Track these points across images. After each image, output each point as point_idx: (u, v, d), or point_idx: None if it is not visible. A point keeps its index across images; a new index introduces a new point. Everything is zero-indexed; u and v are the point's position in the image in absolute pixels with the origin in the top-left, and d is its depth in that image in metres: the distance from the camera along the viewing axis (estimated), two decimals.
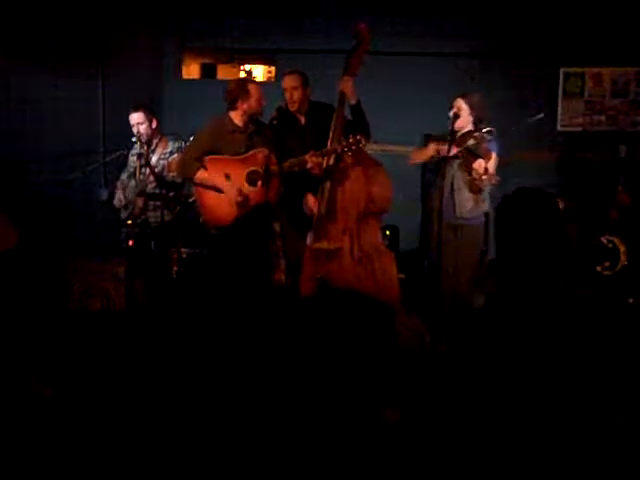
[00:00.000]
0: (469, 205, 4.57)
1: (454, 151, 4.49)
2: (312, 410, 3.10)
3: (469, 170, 4.42)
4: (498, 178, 4.34)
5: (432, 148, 4.63)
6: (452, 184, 4.55)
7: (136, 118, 5.19)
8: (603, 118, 6.36)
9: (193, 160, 4.78)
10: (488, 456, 2.32)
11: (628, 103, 6.31)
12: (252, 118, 4.78)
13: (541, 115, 4.49)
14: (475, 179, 4.37)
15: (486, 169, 4.32)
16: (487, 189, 4.56)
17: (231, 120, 4.80)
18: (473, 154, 4.42)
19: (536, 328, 2.04)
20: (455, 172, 4.56)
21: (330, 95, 4.67)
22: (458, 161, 4.53)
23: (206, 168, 4.76)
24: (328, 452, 2.75)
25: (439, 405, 2.92)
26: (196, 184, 4.82)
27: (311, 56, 6.31)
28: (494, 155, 4.46)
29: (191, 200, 5.10)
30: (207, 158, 4.77)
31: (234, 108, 4.79)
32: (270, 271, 4.93)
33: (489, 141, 4.47)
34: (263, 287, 4.68)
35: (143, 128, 5.18)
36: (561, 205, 5.38)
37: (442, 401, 2.86)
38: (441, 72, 6.37)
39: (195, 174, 4.76)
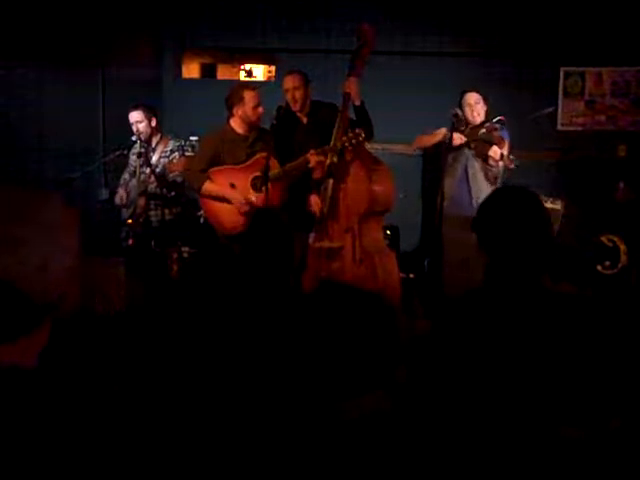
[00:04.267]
0: (485, 194, 4.54)
1: (462, 140, 4.54)
2: (310, 406, 3.08)
3: (485, 157, 4.50)
4: (515, 160, 4.40)
5: (442, 133, 4.65)
6: (467, 174, 4.59)
7: (135, 117, 5.18)
8: (603, 118, 6.36)
9: (199, 172, 4.76)
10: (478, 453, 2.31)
11: (628, 103, 6.31)
12: (252, 126, 4.75)
13: (550, 109, 4.53)
14: (492, 166, 4.44)
15: (502, 154, 4.40)
16: (502, 177, 4.61)
17: (232, 128, 4.78)
18: (487, 142, 4.48)
19: (515, 325, 2.03)
20: (469, 162, 4.61)
21: (331, 95, 4.67)
22: (472, 152, 4.58)
23: (212, 180, 4.75)
24: (327, 446, 2.74)
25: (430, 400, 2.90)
26: (203, 196, 4.81)
27: (311, 55, 6.31)
28: (507, 142, 4.54)
29: (200, 214, 5.09)
30: (211, 170, 4.75)
31: (232, 115, 4.78)
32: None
33: (501, 130, 4.54)
34: (266, 288, 4.65)
35: (142, 127, 5.16)
36: (560, 205, 5.38)
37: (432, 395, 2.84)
38: (441, 72, 6.37)
39: (202, 186, 4.75)
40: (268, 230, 4.56)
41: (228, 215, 4.73)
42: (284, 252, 3.89)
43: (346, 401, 1.88)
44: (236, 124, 4.77)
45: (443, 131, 4.70)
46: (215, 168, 4.75)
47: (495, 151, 4.47)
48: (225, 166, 4.76)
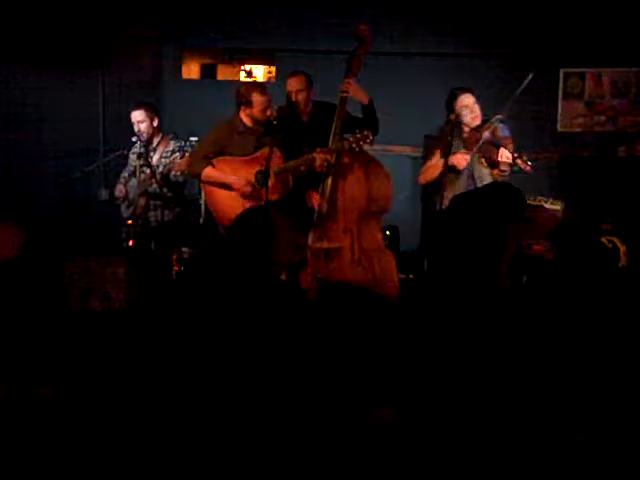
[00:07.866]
0: None
1: (467, 161, 4.41)
2: (310, 408, 3.09)
3: (494, 164, 4.33)
4: (530, 164, 4.18)
5: (439, 163, 4.57)
6: (474, 179, 4.48)
7: (137, 116, 5.19)
8: (603, 119, 6.36)
9: (201, 158, 4.78)
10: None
11: (628, 104, 6.31)
12: (260, 122, 4.75)
13: (530, 76, 4.36)
14: (504, 170, 4.28)
15: (514, 157, 4.21)
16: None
17: (241, 120, 4.80)
18: (494, 145, 4.33)
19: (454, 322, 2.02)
20: (474, 167, 4.48)
21: (330, 95, 4.67)
22: (476, 156, 4.46)
23: (214, 167, 4.77)
24: (326, 449, 2.75)
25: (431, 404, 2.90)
26: (203, 182, 4.83)
27: (311, 56, 6.31)
28: (511, 139, 4.42)
29: (200, 201, 5.11)
30: (215, 160, 4.77)
31: (240, 110, 4.80)
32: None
33: (502, 131, 4.42)
34: (265, 287, 4.65)
35: (144, 127, 5.17)
36: (560, 206, 5.37)
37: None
38: (441, 72, 6.37)
39: (202, 172, 4.77)
40: (251, 229, 4.55)
41: (228, 205, 4.73)
42: (263, 251, 3.89)
43: (373, 409, 1.89)
44: (246, 117, 4.79)
45: (439, 162, 4.60)
46: (220, 157, 4.77)
47: (506, 155, 4.22)
48: (230, 157, 4.77)
